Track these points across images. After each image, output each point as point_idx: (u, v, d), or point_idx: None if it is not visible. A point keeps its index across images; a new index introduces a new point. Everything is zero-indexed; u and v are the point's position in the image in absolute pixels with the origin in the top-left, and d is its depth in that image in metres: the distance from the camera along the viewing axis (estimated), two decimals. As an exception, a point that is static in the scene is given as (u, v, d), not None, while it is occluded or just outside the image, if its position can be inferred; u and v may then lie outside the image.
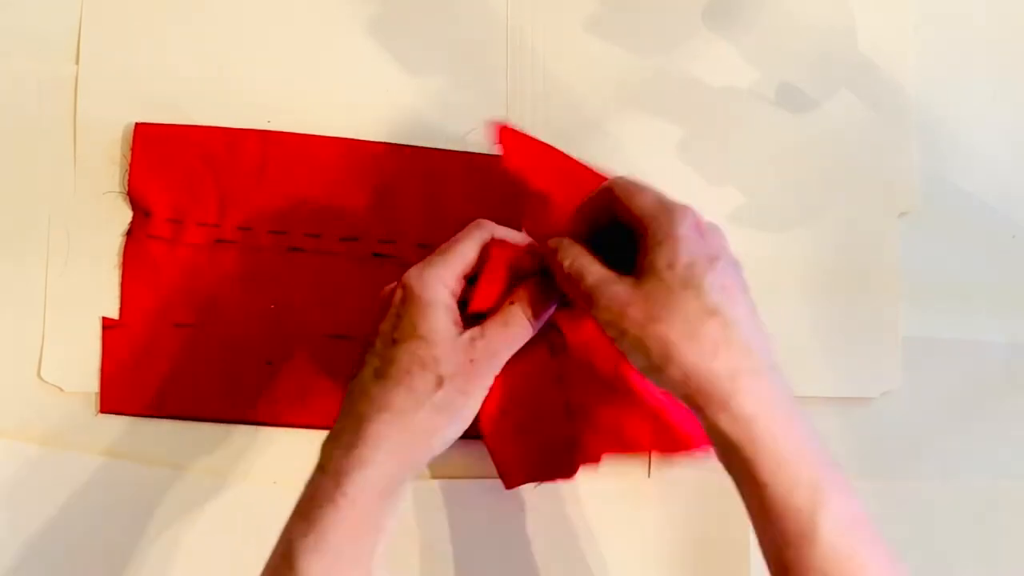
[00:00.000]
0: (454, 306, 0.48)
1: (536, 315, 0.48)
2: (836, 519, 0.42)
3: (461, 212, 0.61)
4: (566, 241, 0.48)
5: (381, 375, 0.47)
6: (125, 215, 0.60)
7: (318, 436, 0.61)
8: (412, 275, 0.48)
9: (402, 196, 0.61)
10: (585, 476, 0.60)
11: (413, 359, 0.46)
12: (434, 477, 0.60)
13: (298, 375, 0.60)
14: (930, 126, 0.63)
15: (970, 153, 0.63)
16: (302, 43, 0.62)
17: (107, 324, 0.59)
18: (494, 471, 0.59)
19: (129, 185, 0.60)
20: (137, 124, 0.60)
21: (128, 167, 0.60)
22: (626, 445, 0.55)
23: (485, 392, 0.48)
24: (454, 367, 0.46)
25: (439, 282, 0.47)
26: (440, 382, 0.46)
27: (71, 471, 0.59)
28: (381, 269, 0.60)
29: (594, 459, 0.55)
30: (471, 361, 0.46)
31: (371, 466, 0.45)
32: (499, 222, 0.51)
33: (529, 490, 0.59)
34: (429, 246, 0.60)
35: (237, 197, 0.60)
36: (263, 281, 0.60)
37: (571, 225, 0.49)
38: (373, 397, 0.46)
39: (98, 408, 0.59)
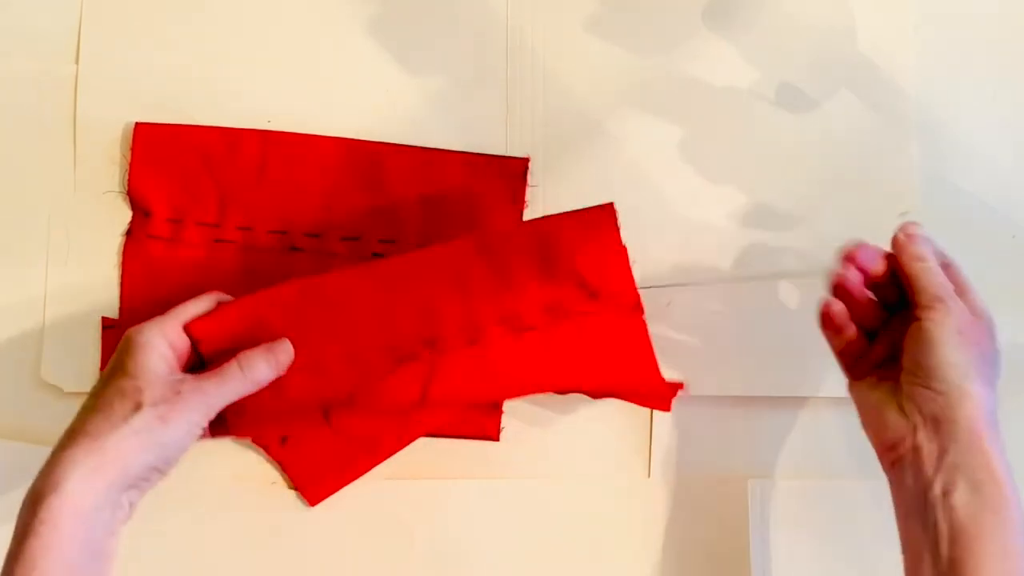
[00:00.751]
0: (170, 353, 0.51)
1: (253, 377, 0.52)
2: None
3: (460, 212, 0.61)
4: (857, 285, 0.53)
5: (86, 407, 0.50)
6: (125, 215, 0.60)
7: (318, 436, 0.60)
8: (134, 327, 0.52)
9: (402, 196, 0.61)
10: (585, 476, 0.60)
11: (115, 390, 0.49)
12: (431, 477, 0.60)
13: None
14: (930, 126, 0.63)
15: (970, 153, 0.63)
16: (302, 43, 0.62)
17: (107, 324, 0.59)
18: (494, 471, 0.59)
19: (129, 185, 0.60)
20: (137, 124, 0.60)
21: (128, 167, 0.60)
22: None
23: (191, 428, 0.50)
24: (156, 397, 0.49)
25: (155, 330, 0.51)
26: (138, 407, 0.48)
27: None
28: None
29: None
30: (177, 393, 0.49)
31: (62, 491, 0.46)
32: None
33: (529, 490, 0.60)
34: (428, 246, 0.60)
35: (237, 197, 0.60)
36: (263, 281, 0.60)
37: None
38: (73, 426, 0.49)
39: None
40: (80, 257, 0.60)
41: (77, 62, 0.61)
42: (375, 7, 0.62)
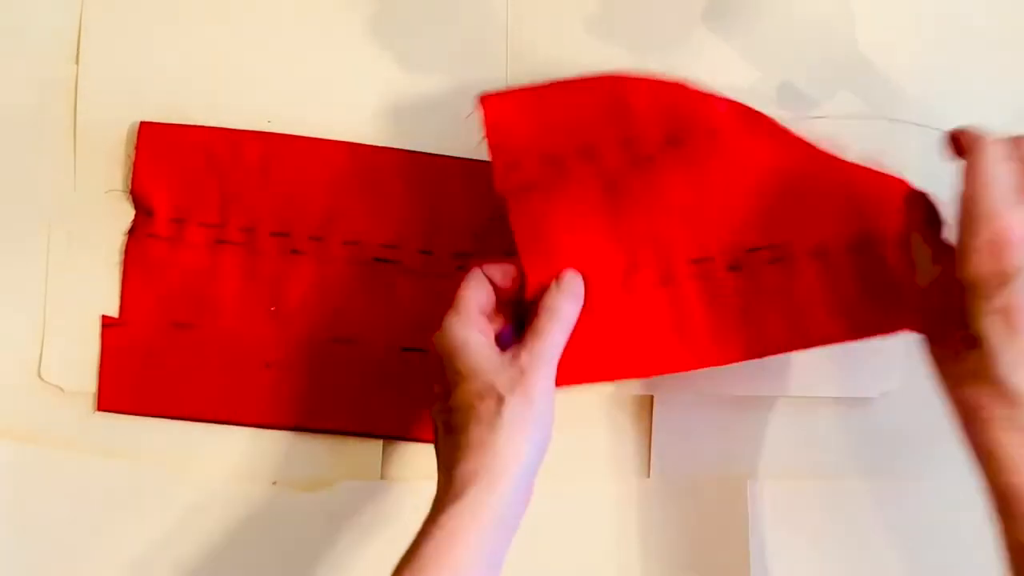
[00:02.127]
0: (486, 340, 0.51)
1: (564, 318, 0.52)
2: None
3: (463, 218, 0.61)
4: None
5: (450, 425, 0.50)
6: (127, 214, 0.60)
7: (318, 437, 0.61)
8: (436, 335, 0.52)
9: (405, 201, 0.61)
10: (585, 476, 0.60)
11: (470, 395, 0.49)
12: (431, 477, 0.60)
13: (296, 378, 0.60)
14: (930, 126, 0.63)
15: (970, 153, 0.63)
16: (302, 43, 0.62)
17: (106, 322, 0.59)
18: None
19: (132, 184, 0.60)
20: (141, 123, 0.60)
21: (131, 166, 0.60)
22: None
23: (549, 393, 0.50)
24: (507, 383, 0.49)
25: (460, 327, 0.51)
26: (500, 400, 0.49)
27: (71, 471, 0.59)
28: (382, 274, 0.60)
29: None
30: (521, 372, 0.49)
31: (465, 498, 0.47)
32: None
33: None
34: (431, 252, 0.60)
35: (240, 198, 0.60)
36: (264, 283, 0.60)
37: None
38: (457, 442, 0.49)
39: (91, 406, 0.59)
40: (81, 256, 0.60)
41: (77, 62, 0.61)
42: (375, 8, 0.63)
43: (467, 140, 0.62)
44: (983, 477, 0.45)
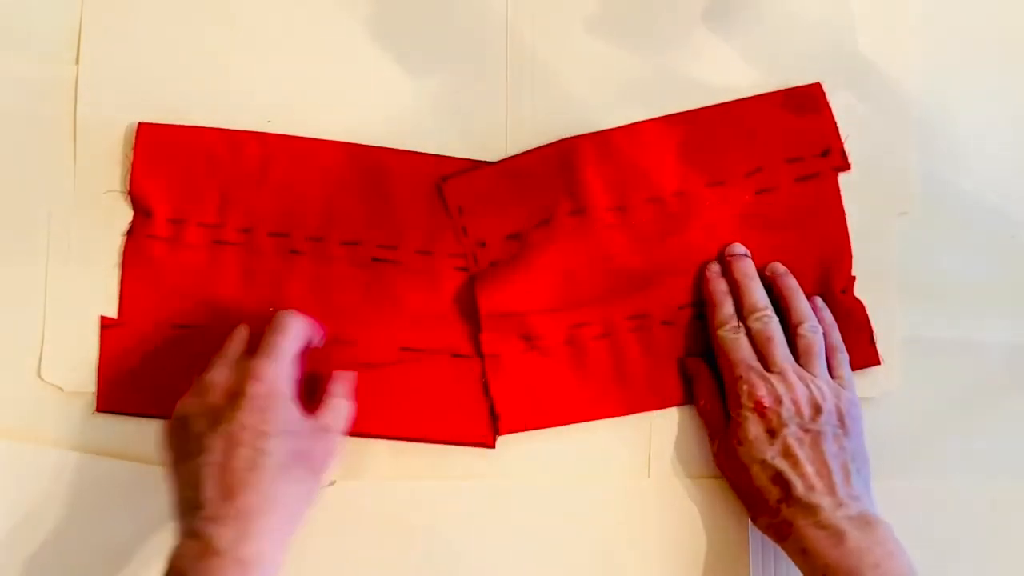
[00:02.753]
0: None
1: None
2: None
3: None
4: (702, 380, 0.59)
5: None
6: (126, 215, 0.60)
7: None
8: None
9: (403, 201, 0.61)
10: (585, 476, 0.60)
11: None
12: (431, 478, 0.60)
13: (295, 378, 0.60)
14: (930, 126, 0.63)
15: (970, 153, 0.63)
16: (302, 43, 0.62)
17: (106, 323, 0.59)
18: (494, 471, 0.59)
19: (131, 184, 0.60)
20: (140, 124, 0.60)
21: (129, 167, 0.60)
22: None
23: None
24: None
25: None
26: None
27: (71, 471, 0.59)
28: (381, 274, 0.60)
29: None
30: None
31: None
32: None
33: (529, 490, 0.60)
34: (429, 253, 0.60)
35: (238, 199, 0.60)
36: (263, 283, 0.60)
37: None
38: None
39: (91, 406, 0.59)
40: (80, 256, 0.60)
41: (77, 62, 0.61)
42: (375, 8, 0.63)
43: (466, 141, 0.62)
44: (804, 571, 0.53)
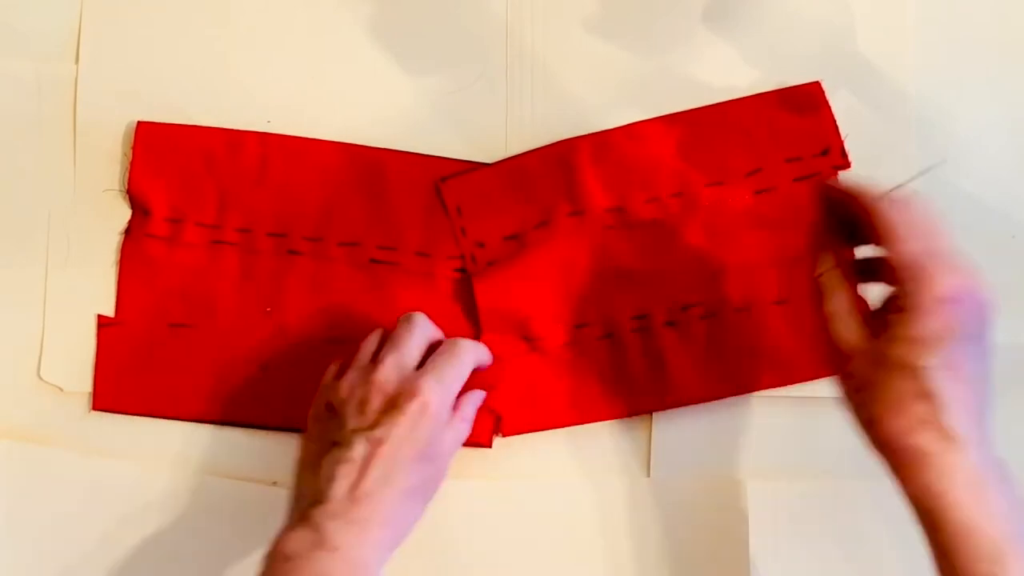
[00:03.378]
0: None
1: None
2: None
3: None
4: (835, 287, 0.50)
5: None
6: (124, 214, 0.60)
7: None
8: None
9: (402, 203, 0.61)
10: (584, 476, 0.60)
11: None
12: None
13: (292, 379, 0.60)
14: (930, 126, 0.63)
15: (970, 153, 0.63)
16: (302, 43, 0.62)
17: (102, 322, 0.59)
18: (493, 471, 0.59)
19: (129, 183, 0.60)
20: (139, 123, 0.60)
21: (128, 165, 0.60)
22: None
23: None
24: None
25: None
26: None
27: (71, 470, 0.59)
28: (379, 275, 0.60)
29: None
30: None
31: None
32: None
33: (528, 490, 0.60)
34: (428, 255, 0.60)
35: (237, 198, 0.60)
36: (260, 283, 0.60)
37: (816, 236, 0.52)
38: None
39: (88, 405, 0.59)
40: (80, 256, 0.60)
41: (77, 62, 0.61)
42: (374, 8, 0.63)
43: (466, 141, 0.62)
44: (929, 519, 0.45)
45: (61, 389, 0.59)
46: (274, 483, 0.60)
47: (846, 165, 0.61)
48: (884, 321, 0.47)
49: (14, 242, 0.60)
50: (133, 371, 0.59)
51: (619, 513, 0.60)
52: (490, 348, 0.59)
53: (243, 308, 0.60)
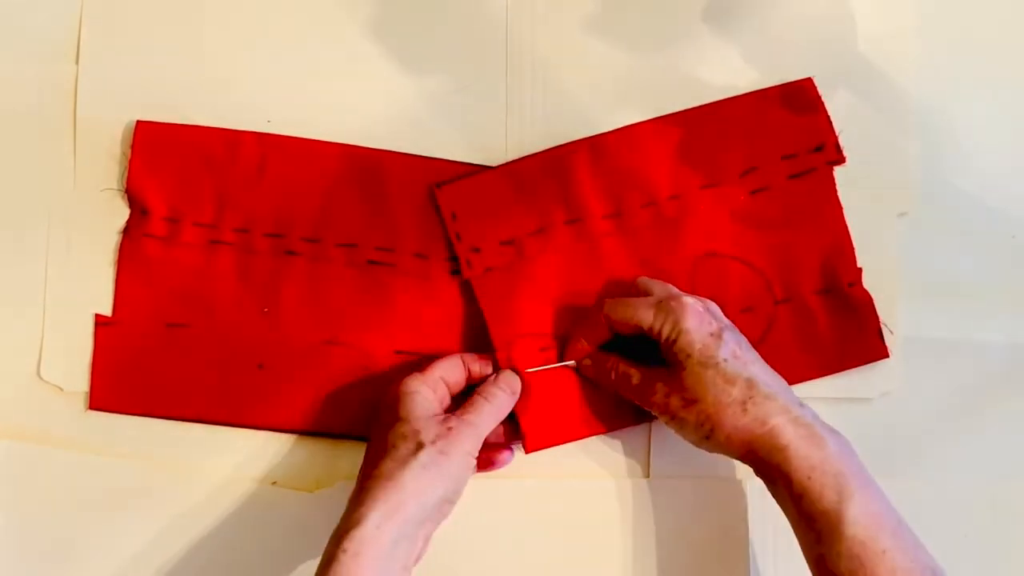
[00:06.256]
0: (433, 398, 0.56)
1: (497, 404, 0.57)
2: (859, 514, 0.50)
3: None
4: (597, 355, 0.58)
5: (372, 454, 0.55)
6: (124, 213, 0.60)
7: (317, 437, 0.61)
8: (403, 380, 0.56)
9: (401, 204, 0.61)
10: (585, 476, 0.60)
11: (396, 435, 0.54)
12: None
13: (289, 380, 0.60)
14: (930, 126, 0.63)
15: (970, 153, 0.63)
16: (302, 44, 0.62)
17: (100, 321, 0.59)
18: (492, 472, 0.59)
19: (128, 182, 0.60)
20: (138, 122, 0.60)
21: (127, 165, 0.60)
22: None
23: (467, 458, 0.54)
24: (432, 435, 0.53)
25: (417, 381, 0.56)
26: (420, 446, 0.53)
27: (70, 470, 0.59)
28: (377, 276, 0.60)
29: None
30: (449, 429, 0.54)
31: (366, 524, 0.50)
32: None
33: (529, 490, 0.60)
34: (425, 256, 0.60)
35: (235, 199, 0.60)
36: (258, 284, 0.60)
37: (587, 339, 0.59)
38: (365, 472, 0.54)
39: (87, 405, 0.59)
40: (80, 256, 0.60)
41: (77, 62, 0.61)
42: (374, 8, 0.63)
43: (466, 141, 0.62)
44: (779, 472, 0.52)
45: (61, 389, 0.59)
46: (273, 483, 0.60)
47: (841, 160, 0.61)
48: (657, 370, 0.55)
49: (14, 242, 0.60)
50: (130, 371, 0.59)
51: (619, 513, 0.60)
52: (499, 356, 0.59)
53: (241, 308, 0.60)
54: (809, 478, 0.51)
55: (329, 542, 0.51)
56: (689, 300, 0.55)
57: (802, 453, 0.51)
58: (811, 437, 0.52)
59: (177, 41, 0.62)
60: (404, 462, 0.52)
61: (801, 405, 0.53)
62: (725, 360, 0.53)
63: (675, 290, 0.57)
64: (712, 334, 0.54)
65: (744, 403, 0.52)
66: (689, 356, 0.54)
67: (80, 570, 0.58)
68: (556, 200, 0.60)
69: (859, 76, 0.63)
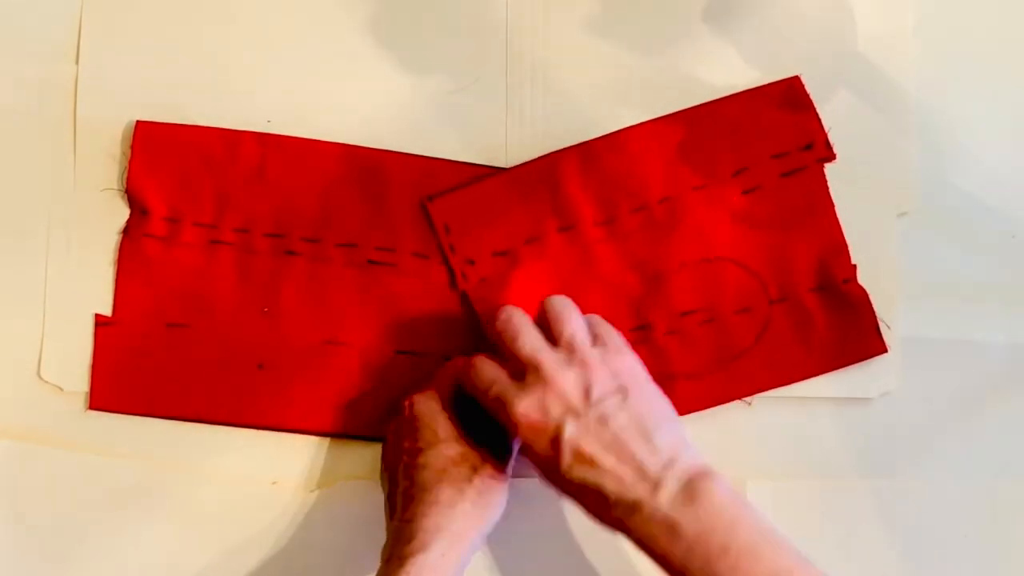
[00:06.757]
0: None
1: None
2: (672, 492, 0.48)
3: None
4: (477, 360, 0.54)
5: (417, 481, 0.53)
6: (124, 213, 0.60)
7: (317, 437, 0.61)
8: (418, 396, 0.55)
9: (401, 204, 0.61)
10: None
11: (444, 458, 0.53)
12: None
13: (289, 380, 0.60)
14: (930, 126, 0.63)
15: (970, 153, 0.63)
16: (302, 44, 0.62)
17: (100, 321, 0.59)
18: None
19: (128, 182, 0.60)
20: (138, 122, 0.60)
21: (127, 165, 0.60)
22: None
23: (508, 477, 0.54)
24: (480, 459, 0.53)
25: (439, 396, 0.55)
26: (474, 470, 0.53)
27: (70, 470, 0.59)
28: (377, 276, 0.60)
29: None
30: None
31: (431, 551, 0.50)
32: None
33: (529, 489, 0.60)
34: (426, 256, 0.60)
35: (235, 199, 0.60)
36: (258, 284, 0.60)
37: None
38: (421, 498, 0.52)
39: (87, 405, 0.59)
40: (80, 256, 0.60)
41: (77, 62, 0.61)
42: (374, 9, 0.63)
43: (466, 142, 0.62)
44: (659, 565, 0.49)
45: (61, 389, 0.59)
46: (273, 483, 0.60)
47: (831, 157, 0.61)
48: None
49: (14, 242, 0.60)
50: (130, 371, 0.59)
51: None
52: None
53: (240, 308, 0.60)
54: (619, 483, 0.49)
55: (386, 563, 0.51)
56: (519, 407, 0.50)
57: (661, 548, 0.48)
58: (666, 531, 0.48)
59: (177, 41, 0.62)
60: (461, 488, 0.52)
61: (658, 479, 0.49)
62: (569, 470, 0.49)
63: (567, 333, 0.52)
64: (552, 440, 0.50)
65: (600, 512, 0.50)
66: (537, 467, 0.51)
67: (80, 570, 0.58)
68: (548, 208, 0.60)
69: (858, 76, 0.63)
